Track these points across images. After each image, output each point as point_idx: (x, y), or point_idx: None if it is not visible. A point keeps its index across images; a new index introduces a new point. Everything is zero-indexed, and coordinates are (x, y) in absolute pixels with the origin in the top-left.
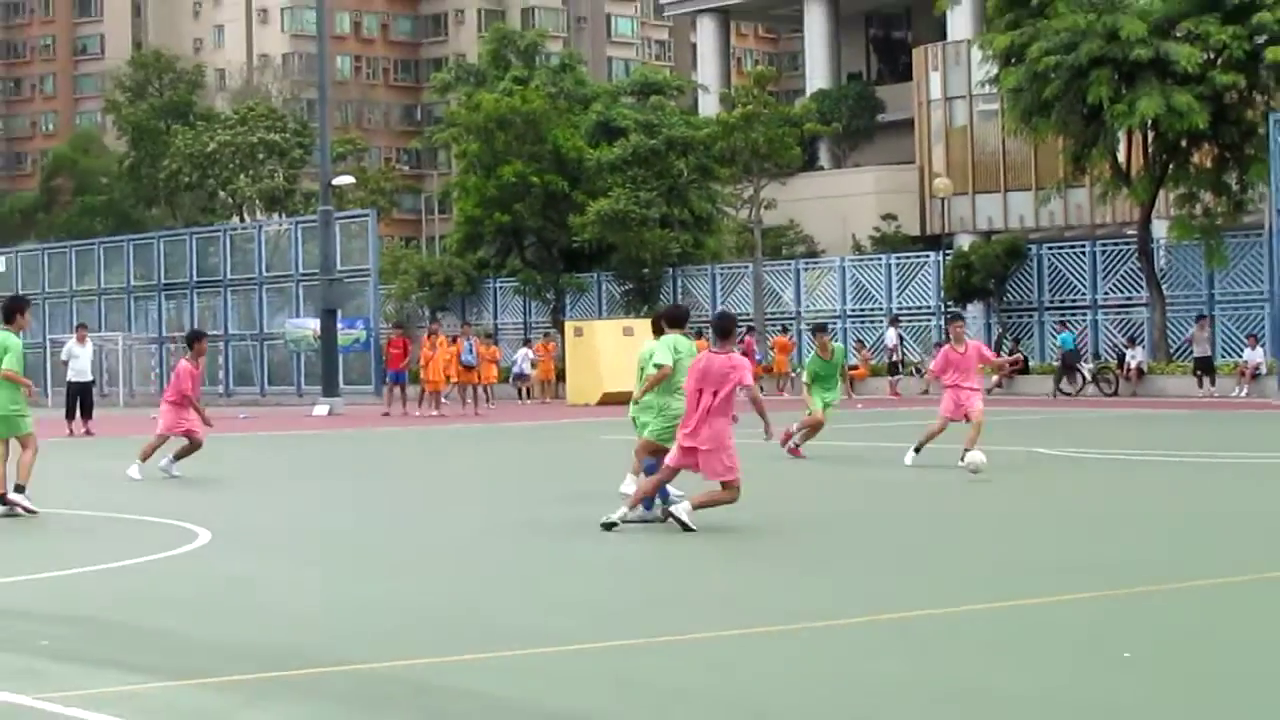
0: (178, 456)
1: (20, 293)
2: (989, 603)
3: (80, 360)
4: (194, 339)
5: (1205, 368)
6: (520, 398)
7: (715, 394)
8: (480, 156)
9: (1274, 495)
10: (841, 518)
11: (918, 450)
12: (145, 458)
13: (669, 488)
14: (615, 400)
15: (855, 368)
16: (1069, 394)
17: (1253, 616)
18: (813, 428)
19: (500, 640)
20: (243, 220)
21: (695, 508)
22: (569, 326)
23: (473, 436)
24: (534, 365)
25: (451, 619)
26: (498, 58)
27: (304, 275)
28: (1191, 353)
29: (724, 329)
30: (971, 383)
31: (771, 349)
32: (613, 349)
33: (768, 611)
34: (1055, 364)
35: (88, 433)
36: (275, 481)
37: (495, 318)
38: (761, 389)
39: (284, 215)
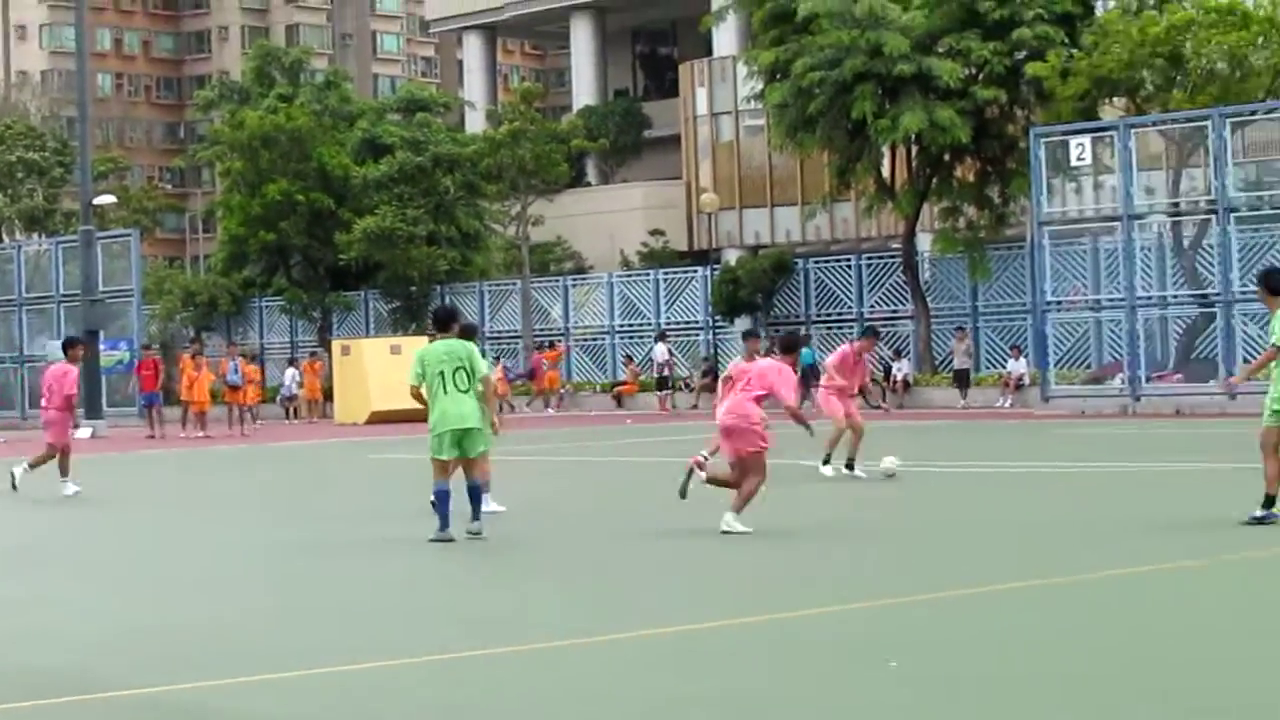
0: (34, 465)
1: None
2: (761, 615)
3: None
4: (70, 344)
5: (962, 380)
6: (288, 417)
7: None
8: (245, 175)
9: (1028, 504)
10: (615, 534)
11: (827, 461)
12: (66, 472)
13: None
14: (383, 419)
15: (625, 383)
16: None
17: (1010, 624)
18: None
19: (274, 662)
20: (1, 241)
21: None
22: (336, 345)
23: (239, 457)
24: (300, 385)
25: (224, 641)
26: (262, 75)
27: (65, 296)
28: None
29: (789, 346)
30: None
31: (544, 361)
32: (381, 367)
33: (540, 628)
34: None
35: None
36: (39, 505)
37: (261, 337)
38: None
39: (44, 235)
